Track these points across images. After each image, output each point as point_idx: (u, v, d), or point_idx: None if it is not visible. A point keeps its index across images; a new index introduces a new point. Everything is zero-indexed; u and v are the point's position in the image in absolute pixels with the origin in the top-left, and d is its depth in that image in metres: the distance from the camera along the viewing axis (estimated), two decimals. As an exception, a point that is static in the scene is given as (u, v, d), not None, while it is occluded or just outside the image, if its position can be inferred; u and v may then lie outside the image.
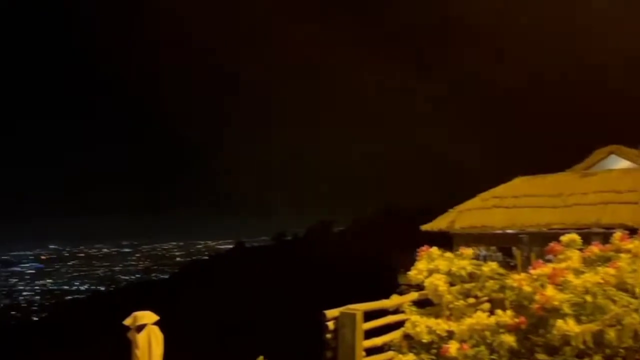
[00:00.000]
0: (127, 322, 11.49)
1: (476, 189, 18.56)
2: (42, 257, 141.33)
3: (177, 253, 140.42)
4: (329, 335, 6.18)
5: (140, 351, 11.17)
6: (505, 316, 6.11)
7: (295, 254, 67.29)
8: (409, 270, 7.20)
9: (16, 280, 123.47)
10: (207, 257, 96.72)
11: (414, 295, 7.09)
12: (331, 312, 6.28)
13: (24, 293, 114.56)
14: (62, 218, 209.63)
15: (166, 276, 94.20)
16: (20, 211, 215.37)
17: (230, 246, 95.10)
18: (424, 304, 7.07)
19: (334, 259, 58.16)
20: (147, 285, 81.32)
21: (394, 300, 7.03)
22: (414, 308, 6.90)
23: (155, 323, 11.45)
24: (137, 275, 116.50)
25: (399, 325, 6.75)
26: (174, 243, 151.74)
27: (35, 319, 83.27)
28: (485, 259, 14.92)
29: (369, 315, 6.54)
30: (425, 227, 17.99)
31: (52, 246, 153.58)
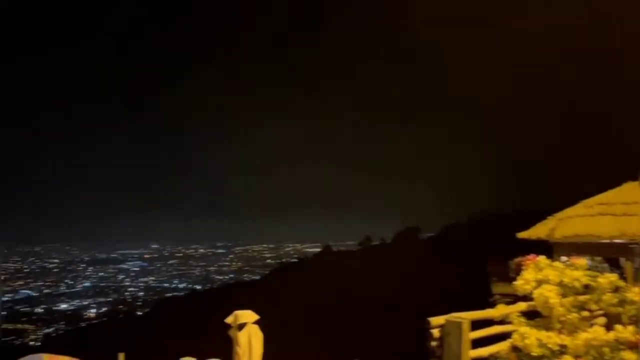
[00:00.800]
0: (229, 320, 11.99)
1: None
2: (145, 256, 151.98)
3: (267, 255, 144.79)
4: (434, 343, 6.06)
5: (241, 349, 11.62)
6: (627, 332, 5.68)
7: (381, 259, 66.80)
8: (502, 279, 6.89)
9: (123, 277, 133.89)
10: (295, 260, 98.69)
11: (522, 305, 6.77)
12: (436, 320, 6.15)
13: (130, 289, 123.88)
14: (163, 220, 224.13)
15: (257, 277, 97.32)
16: (126, 212, 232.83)
17: (318, 249, 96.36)
18: (533, 315, 6.74)
19: (420, 265, 57.07)
20: (240, 285, 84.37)
21: (500, 310, 6.76)
22: (522, 319, 6.59)
23: (255, 322, 11.86)
24: (231, 276, 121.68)
25: (505, 336, 6.49)
26: (265, 245, 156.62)
27: (139, 313, 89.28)
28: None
29: (473, 325, 6.34)
30: (522, 235, 17.03)
31: (154, 246, 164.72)
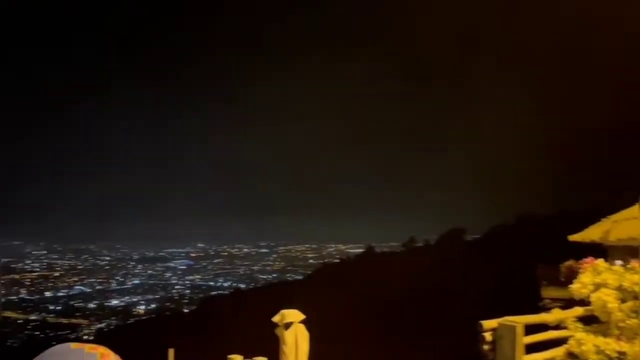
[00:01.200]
0: (276, 319, 12.12)
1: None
2: (192, 255, 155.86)
3: (310, 255, 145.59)
4: (486, 347, 5.93)
5: (287, 347, 11.74)
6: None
7: (425, 261, 65.88)
8: (552, 283, 6.66)
9: (170, 274, 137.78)
10: (338, 261, 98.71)
11: (578, 310, 6.53)
12: (488, 323, 6.02)
13: (177, 287, 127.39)
14: (208, 220, 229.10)
15: (300, 277, 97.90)
16: (173, 213, 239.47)
17: (361, 250, 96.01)
18: (589, 321, 6.49)
19: (465, 267, 55.93)
20: (283, 284, 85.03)
21: (555, 314, 6.54)
22: (579, 324, 6.36)
23: (301, 322, 11.94)
24: (274, 275, 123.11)
25: (560, 341, 6.28)
26: (307, 245, 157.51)
27: (185, 311, 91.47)
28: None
29: (526, 329, 6.17)
30: (573, 238, 16.44)
31: (200, 245, 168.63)
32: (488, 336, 6.00)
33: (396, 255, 79.51)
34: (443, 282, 54.12)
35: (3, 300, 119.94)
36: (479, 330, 6.05)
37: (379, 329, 50.40)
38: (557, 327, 6.47)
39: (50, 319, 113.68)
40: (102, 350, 1.63)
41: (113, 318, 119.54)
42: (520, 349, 5.84)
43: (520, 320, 5.96)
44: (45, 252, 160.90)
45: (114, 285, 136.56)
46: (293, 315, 11.30)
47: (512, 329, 5.77)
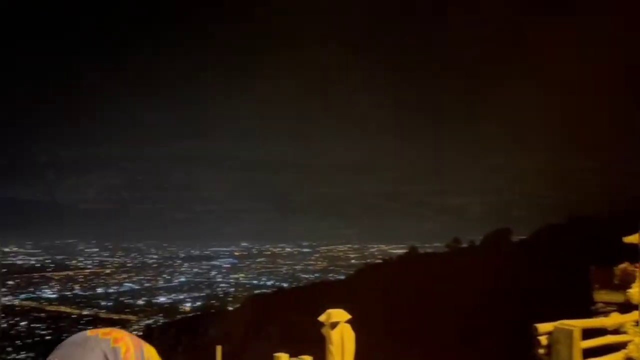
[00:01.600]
0: (322, 318, 12.22)
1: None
2: (236, 254, 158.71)
3: (352, 255, 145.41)
4: (541, 351, 5.76)
5: (334, 347, 11.81)
6: None
7: (470, 261, 64.53)
8: (605, 286, 6.40)
9: (215, 273, 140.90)
10: (380, 261, 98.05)
11: (637, 315, 6.29)
12: (543, 327, 5.84)
13: (221, 285, 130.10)
14: (251, 219, 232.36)
15: (342, 277, 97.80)
16: (219, 213, 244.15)
17: (404, 251, 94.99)
18: (650, 326, 6.23)
19: (513, 269, 54.39)
20: (325, 284, 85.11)
21: (614, 319, 6.32)
22: (638, 329, 6.12)
23: (347, 321, 11.99)
24: (316, 275, 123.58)
25: (619, 346, 6.05)
26: (349, 246, 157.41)
27: (230, 308, 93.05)
28: None
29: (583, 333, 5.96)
30: (629, 239, 15.76)
31: (244, 244, 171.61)
32: (543, 340, 5.82)
33: (439, 255, 78.18)
34: (488, 283, 52.88)
35: (58, 295, 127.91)
36: (534, 333, 5.88)
37: (423, 330, 49.80)
38: (616, 331, 6.24)
39: (102, 314, 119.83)
40: (115, 334, 1.69)
41: (160, 315, 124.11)
42: (577, 353, 5.64)
43: (577, 324, 5.76)
44: (97, 249, 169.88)
45: (161, 283, 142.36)
46: (339, 315, 11.37)
47: (569, 333, 5.58)
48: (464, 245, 79.16)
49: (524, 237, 74.07)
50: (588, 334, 6.20)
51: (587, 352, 5.93)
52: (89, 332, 1.74)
